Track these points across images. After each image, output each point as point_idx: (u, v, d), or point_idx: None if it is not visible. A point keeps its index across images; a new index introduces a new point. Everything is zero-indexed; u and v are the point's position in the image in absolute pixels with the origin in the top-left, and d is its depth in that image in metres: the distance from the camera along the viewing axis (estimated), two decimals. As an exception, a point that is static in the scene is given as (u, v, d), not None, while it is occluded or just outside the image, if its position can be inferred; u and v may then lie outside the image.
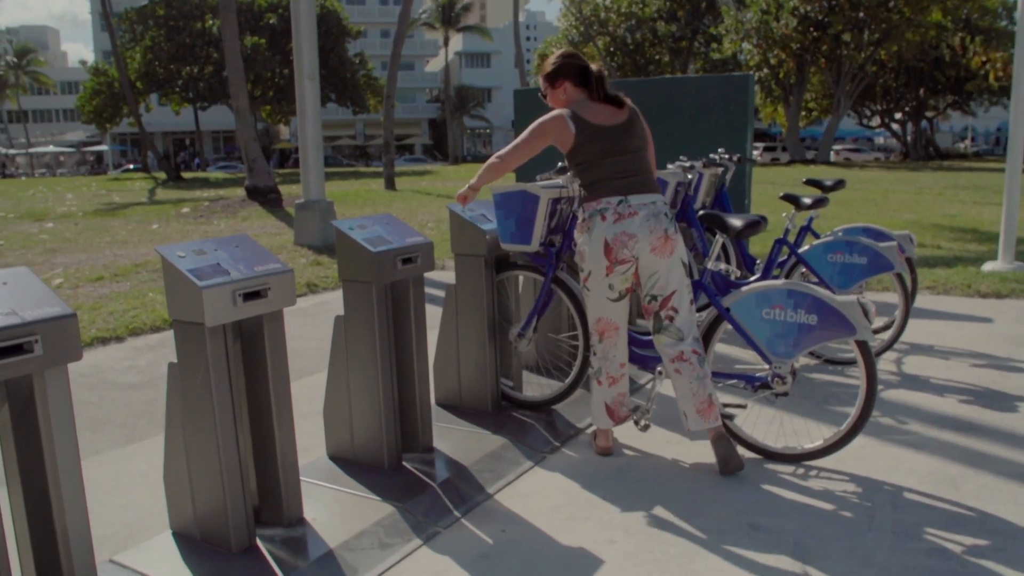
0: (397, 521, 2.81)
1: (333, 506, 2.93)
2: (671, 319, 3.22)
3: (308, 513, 2.83)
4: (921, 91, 45.40)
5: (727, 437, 3.21)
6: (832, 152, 43.10)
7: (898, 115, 48.98)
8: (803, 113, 43.44)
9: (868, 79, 39.84)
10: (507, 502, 3.03)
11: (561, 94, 3.33)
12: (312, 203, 10.06)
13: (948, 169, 31.23)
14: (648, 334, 3.65)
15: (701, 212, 3.43)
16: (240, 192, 18.03)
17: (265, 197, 15.52)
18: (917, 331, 5.32)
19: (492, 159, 3.35)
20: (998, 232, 10.01)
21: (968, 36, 39.96)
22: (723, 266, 3.71)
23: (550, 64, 3.34)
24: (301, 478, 2.88)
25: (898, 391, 4.19)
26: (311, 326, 6.00)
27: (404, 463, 3.27)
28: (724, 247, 5.42)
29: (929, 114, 48.81)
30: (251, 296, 2.50)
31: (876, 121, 50.67)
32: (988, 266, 7.53)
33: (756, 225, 3.30)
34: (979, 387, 4.24)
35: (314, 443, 3.52)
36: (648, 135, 3.35)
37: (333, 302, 6.93)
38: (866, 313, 3.01)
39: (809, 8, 34.96)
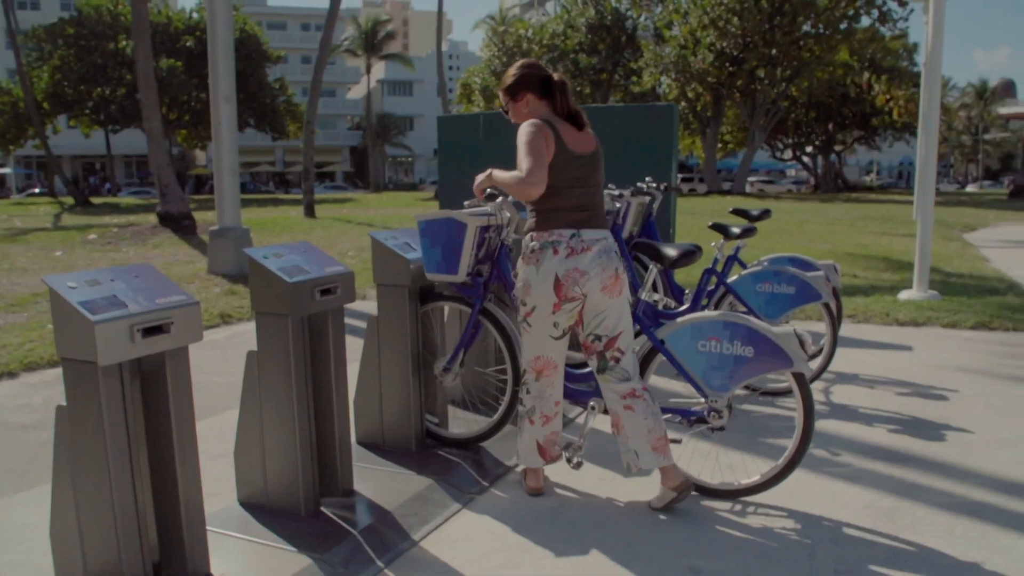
0: (315, 574, 2.58)
1: (244, 559, 2.68)
2: (617, 360, 3.08)
3: (216, 568, 2.58)
4: (830, 126, 47.26)
5: (678, 469, 3.08)
6: (747, 183, 44.34)
7: (809, 148, 50.84)
8: (719, 145, 44.66)
9: (781, 113, 41.28)
10: (434, 549, 2.83)
11: (524, 107, 3.12)
12: (227, 230, 9.69)
13: (856, 201, 32.46)
14: (580, 366, 3.53)
15: (634, 241, 3.33)
16: (152, 218, 17.36)
17: (178, 224, 14.96)
18: (841, 360, 5.35)
19: (517, 181, 2.89)
20: (910, 261, 10.34)
21: (873, 75, 41.91)
22: (657, 296, 3.62)
23: (511, 76, 3.13)
24: (208, 528, 2.63)
25: (828, 421, 4.16)
26: (223, 360, 5.69)
27: (322, 508, 3.04)
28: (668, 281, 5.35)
29: (837, 148, 50.83)
30: (151, 331, 2.26)
31: (788, 154, 52.48)
32: (904, 295, 7.71)
33: (691, 255, 3.22)
34: (905, 416, 4.25)
35: (224, 487, 3.25)
36: None
37: (248, 334, 6.61)
38: (802, 344, 2.95)
39: (725, 44, 36.05)
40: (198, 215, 16.77)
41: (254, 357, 2.96)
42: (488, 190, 3.37)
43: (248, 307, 7.53)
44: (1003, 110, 69.83)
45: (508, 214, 3.45)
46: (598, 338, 3.08)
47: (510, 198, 3.39)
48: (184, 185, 45.45)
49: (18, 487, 3.46)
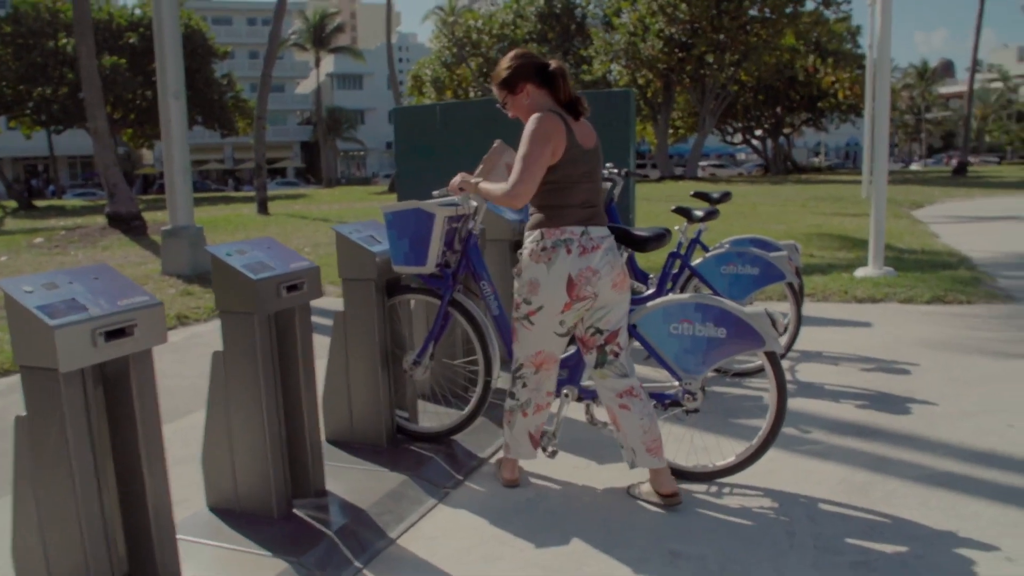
0: (292, 578, 2.53)
1: (217, 566, 2.61)
2: (616, 355, 3.02)
3: (188, 576, 2.51)
4: (778, 109, 47.88)
5: (671, 478, 3.05)
6: (699, 168, 44.77)
7: (758, 132, 51.49)
8: (670, 131, 44.98)
9: (730, 98, 41.70)
10: (412, 546, 2.79)
11: (524, 99, 2.97)
12: (180, 229, 9.48)
13: (806, 182, 32.95)
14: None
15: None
16: (100, 220, 16.92)
17: (128, 224, 14.59)
18: (803, 338, 5.40)
19: (503, 194, 2.86)
20: (863, 239, 10.53)
21: (819, 58, 42.57)
22: (635, 285, 3.61)
23: (505, 68, 2.98)
24: (178, 536, 2.56)
25: (796, 399, 4.20)
26: (182, 362, 5.56)
27: (295, 510, 2.98)
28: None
29: (786, 131, 51.55)
30: (114, 335, 2.18)
31: (738, 138, 53.09)
32: (860, 272, 7.84)
33: (662, 238, 3.20)
34: (871, 391, 4.31)
35: (192, 493, 3.17)
36: None
37: (206, 335, 6.48)
38: (774, 323, 2.96)
39: (674, 30, 36.29)
40: (148, 215, 16.40)
41: (220, 357, 2.88)
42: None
43: (205, 307, 7.38)
44: (943, 90, 71.58)
45: (475, 203, 3.41)
46: (599, 332, 2.99)
47: None
48: (132, 185, 44.41)
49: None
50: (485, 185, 3.03)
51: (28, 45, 33.76)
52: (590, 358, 3.06)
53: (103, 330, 2.14)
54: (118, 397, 2.32)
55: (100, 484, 2.24)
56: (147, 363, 2.34)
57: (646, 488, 3.08)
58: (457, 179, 3.19)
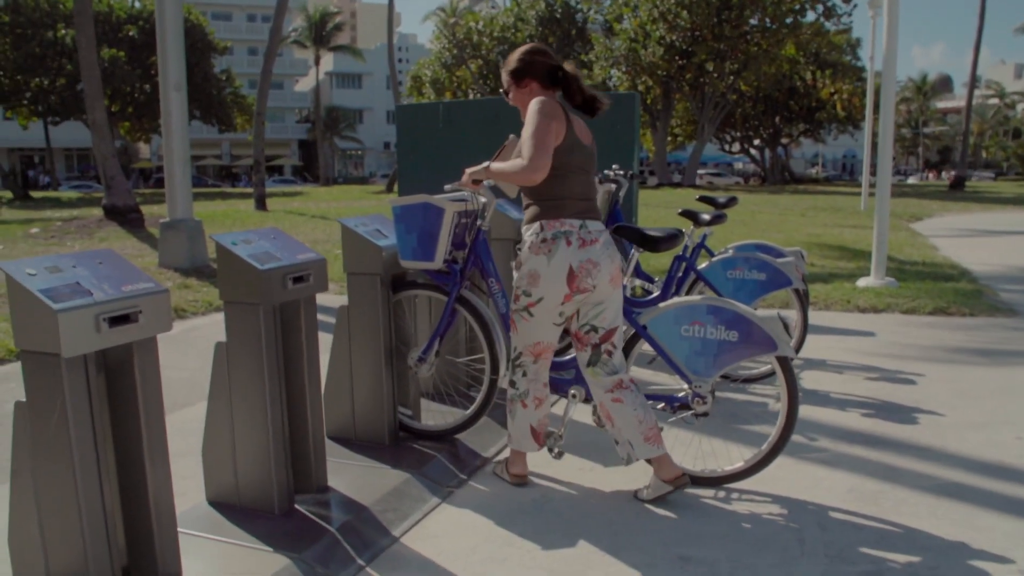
0: (293, 575, 2.47)
1: (217, 561, 2.55)
2: (610, 354, 3.01)
3: (188, 571, 2.44)
4: (777, 119, 47.98)
5: (672, 461, 3.02)
6: (697, 176, 44.80)
7: (756, 141, 51.57)
8: (669, 138, 45.01)
9: (729, 107, 41.74)
10: (416, 545, 2.74)
11: (527, 95, 3.01)
12: (179, 222, 9.40)
13: (804, 192, 33.00)
14: (559, 353, 3.46)
15: (616, 225, 3.26)
16: (97, 212, 16.82)
17: (125, 217, 14.49)
18: (807, 346, 5.36)
19: (521, 169, 2.80)
20: (862, 250, 10.52)
21: (818, 69, 42.67)
22: (638, 282, 3.56)
23: (517, 60, 3.01)
24: (178, 529, 2.50)
25: (803, 407, 4.15)
26: (180, 354, 5.49)
27: (297, 506, 2.92)
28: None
29: (784, 141, 51.65)
30: (119, 320, 2.12)
31: (736, 147, 53.17)
32: (862, 282, 7.80)
33: (674, 238, 3.16)
34: (877, 400, 4.27)
35: (191, 486, 3.11)
36: None
37: (204, 328, 6.41)
38: (786, 328, 2.92)
39: (675, 38, 36.32)
40: (145, 208, 16.30)
41: (223, 348, 2.82)
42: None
43: (202, 300, 7.31)
44: (941, 104, 71.81)
45: (484, 199, 3.36)
46: (594, 329, 2.99)
47: (487, 183, 3.29)
48: (128, 179, 44.17)
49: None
50: (498, 165, 2.96)
51: (27, 35, 33.60)
52: (583, 356, 3.05)
53: (107, 316, 2.09)
54: (121, 385, 2.26)
55: (101, 474, 2.18)
56: (151, 350, 2.28)
57: (652, 483, 3.03)
58: (467, 175, 3.14)
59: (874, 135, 20.95)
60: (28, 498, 2.17)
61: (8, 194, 31.50)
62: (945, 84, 79.97)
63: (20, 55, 33.55)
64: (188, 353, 5.53)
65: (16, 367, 5.01)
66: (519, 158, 2.85)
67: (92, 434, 2.15)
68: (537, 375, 3.11)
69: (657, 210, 19.01)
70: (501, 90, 3.11)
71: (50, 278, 2.09)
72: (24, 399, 2.12)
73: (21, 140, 51.15)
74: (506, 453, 3.51)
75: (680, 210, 4.74)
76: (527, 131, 2.82)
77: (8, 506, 2.19)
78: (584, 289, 2.89)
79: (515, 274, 3.01)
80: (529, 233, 2.95)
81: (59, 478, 2.12)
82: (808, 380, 4.67)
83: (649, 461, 3.01)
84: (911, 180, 59.96)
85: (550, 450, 3.20)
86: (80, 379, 2.10)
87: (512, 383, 3.15)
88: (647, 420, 2.96)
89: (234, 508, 2.89)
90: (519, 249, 3.00)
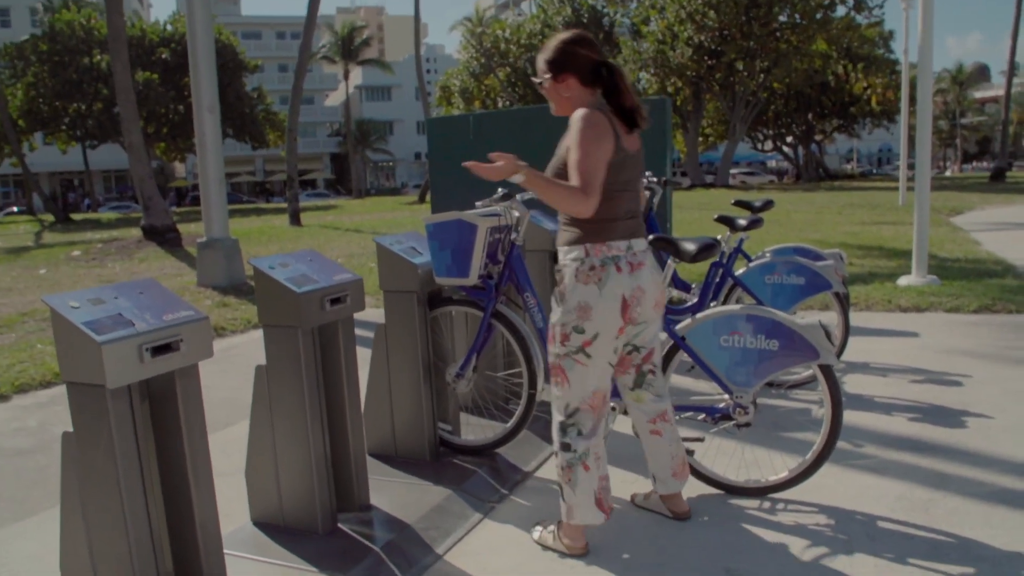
0: (338, 596, 2.48)
1: (263, 583, 2.57)
2: (653, 373, 2.86)
3: (234, 594, 2.47)
4: (809, 116, 47.43)
5: (682, 497, 3.00)
6: (730, 176, 44.43)
7: (789, 139, 51.01)
8: (700, 139, 44.72)
9: (760, 105, 41.35)
10: (459, 562, 2.73)
11: (564, 91, 2.61)
12: (215, 241, 9.53)
13: (839, 189, 32.57)
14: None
15: (651, 236, 3.23)
16: (136, 232, 17.14)
17: (163, 237, 14.76)
18: (849, 348, 5.26)
19: (571, 195, 2.44)
20: (902, 248, 10.34)
21: (850, 64, 42.10)
22: (676, 293, 3.53)
23: (555, 48, 2.60)
24: (223, 551, 2.53)
25: (847, 412, 4.08)
26: (220, 374, 5.56)
27: (340, 525, 2.94)
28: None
29: (817, 137, 51.03)
30: (161, 350, 2.15)
31: (769, 145, 52.63)
32: (903, 281, 7.67)
33: (711, 248, 3.12)
34: (923, 403, 4.18)
35: (235, 507, 3.14)
36: None
37: (243, 346, 6.48)
38: (828, 336, 2.87)
39: (703, 38, 36.09)
40: (181, 227, 16.58)
41: (263, 371, 2.85)
42: (501, 190, 3.26)
43: (241, 319, 7.40)
44: (978, 94, 70.44)
45: (517, 213, 3.35)
46: (636, 349, 2.77)
47: (520, 196, 3.28)
48: (164, 198, 44.97)
49: (17, 516, 3.33)
50: (542, 179, 2.52)
51: (64, 62, 34.44)
52: (627, 379, 2.85)
53: (150, 346, 2.12)
54: (164, 412, 2.29)
55: (147, 500, 2.21)
56: (193, 378, 2.31)
57: (654, 501, 3.01)
58: (504, 164, 2.57)
59: (910, 128, 20.64)
60: (78, 524, 2.20)
61: (50, 217, 32.21)
62: (982, 73, 78.41)
63: (58, 82, 34.41)
64: (228, 372, 5.59)
65: (62, 389, 5.10)
66: (567, 182, 2.49)
67: (138, 461, 2.18)
68: (597, 429, 2.70)
69: (691, 212, 18.88)
70: (536, 80, 2.71)
71: (93, 310, 2.12)
72: (71, 428, 2.15)
73: (61, 164, 52.27)
74: (544, 473, 3.49)
75: (716, 216, 4.69)
76: (575, 156, 2.47)
77: (59, 532, 2.23)
78: (635, 320, 2.62)
79: (557, 308, 2.64)
80: (571, 258, 2.60)
81: (107, 505, 2.15)
82: (851, 384, 4.59)
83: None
84: (948, 172, 58.85)
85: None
86: (125, 409, 2.13)
87: (566, 446, 2.69)
88: (678, 455, 2.91)
89: (278, 528, 2.92)
90: (559, 274, 2.67)
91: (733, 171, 49.78)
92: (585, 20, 44.80)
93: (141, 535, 2.19)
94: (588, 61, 2.58)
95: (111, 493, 2.14)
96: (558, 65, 2.61)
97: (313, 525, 2.86)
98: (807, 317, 3.17)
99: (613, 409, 3.21)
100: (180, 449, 2.30)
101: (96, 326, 2.07)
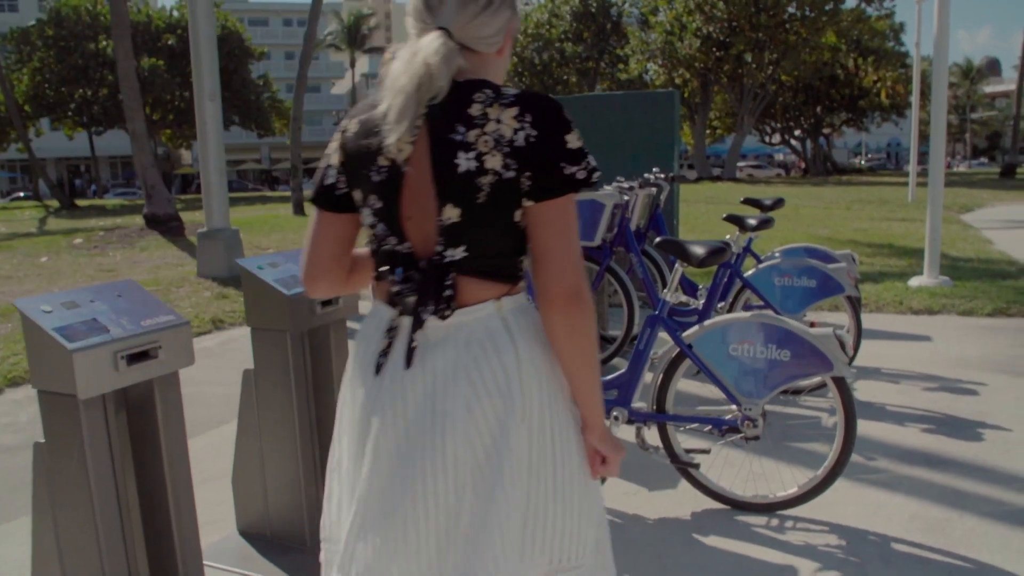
0: (325, 616, 2.36)
1: (246, 601, 2.46)
2: None
3: (215, 612, 2.35)
4: (818, 109, 47.05)
5: None
6: (737, 169, 44.17)
7: (797, 132, 50.65)
8: (708, 131, 44.43)
9: (769, 98, 41.04)
10: (453, 580, 2.61)
11: None
12: (216, 232, 9.41)
13: (848, 184, 32.29)
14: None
15: (660, 240, 3.09)
16: (139, 220, 17.02)
17: (166, 226, 14.64)
18: (859, 352, 5.13)
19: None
20: (912, 246, 10.18)
21: (860, 57, 41.74)
22: (683, 298, 3.40)
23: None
24: (206, 563, 2.42)
25: (859, 422, 3.94)
26: (217, 368, 5.45)
27: (329, 537, 2.81)
28: (660, 271, 5.13)
29: (826, 131, 50.65)
30: (137, 358, 2.03)
31: (777, 138, 52.27)
32: (914, 281, 7.50)
33: (720, 252, 2.99)
34: (937, 413, 4.05)
35: (223, 514, 3.03)
36: None
37: (241, 340, 6.37)
38: (842, 346, 2.74)
39: (712, 29, 35.80)
40: (185, 215, 16.47)
41: (251, 376, 2.73)
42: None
43: (240, 311, 7.28)
44: (989, 89, 69.95)
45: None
46: None
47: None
48: (170, 185, 44.94)
49: (3, 516, 3.22)
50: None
51: (69, 48, 34.30)
52: None
53: (125, 353, 2.00)
54: (142, 423, 2.18)
55: (122, 514, 2.10)
56: (173, 386, 2.19)
57: None
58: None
59: (920, 123, 20.41)
60: (49, 537, 2.09)
61: (55, 203, 32.16)
62: (993, 67, 77.91)
63: (64, 67, 34.28)
64: (225, 367, 5.47)
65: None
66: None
67: (112, 474, 2.07)
68: None
69: (697, 206, 18.70)
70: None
71: (66, 315, 2.00)
72: (42, 440, 2.03)
73: (67, 150, 52.22)
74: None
75: (725, 215, 4.55)
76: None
77: (31, 546, 2.12)
78: None
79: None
80: None
81: (79, 519, 2.03)
82: (862, 390, 4.46)
83: None
84: (956, 168, 58.45)
85: (592, 475, 3.05)
86: (98, 419, 2.02)
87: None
88: None
89: (265, 540, 2.80)
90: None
91: (740, 164, 49.47)
92: (593, 10, 44.50)
93: (115, 550, 2.07)
94: None
95: (83, 507, 2.02)
96: None
97: (301, 538, 2.74)
98: (819, 323, 3.03)
99: (616, 418, 3.09)
100: (159, 462, 2.19)
101: (68, 332, 1.95)
